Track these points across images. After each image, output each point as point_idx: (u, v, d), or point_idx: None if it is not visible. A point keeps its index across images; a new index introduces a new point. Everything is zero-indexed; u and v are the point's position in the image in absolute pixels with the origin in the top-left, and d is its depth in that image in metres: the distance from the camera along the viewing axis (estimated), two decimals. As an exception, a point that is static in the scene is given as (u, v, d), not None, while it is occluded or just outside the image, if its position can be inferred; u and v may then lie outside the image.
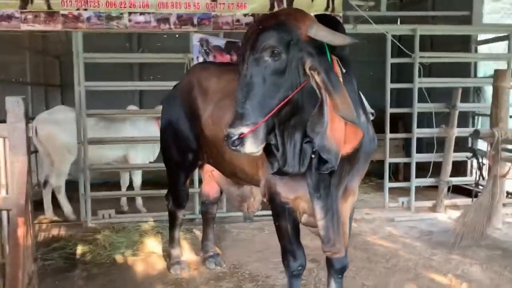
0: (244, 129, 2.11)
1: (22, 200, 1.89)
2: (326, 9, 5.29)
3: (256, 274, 3.90)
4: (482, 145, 5.53)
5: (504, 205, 4.93)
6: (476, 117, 7.07)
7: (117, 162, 5.75)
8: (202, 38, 5.14)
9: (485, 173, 4.66)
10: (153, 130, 6.24)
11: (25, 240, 1.94)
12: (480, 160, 4.55)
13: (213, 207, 4.00)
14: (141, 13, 4.97)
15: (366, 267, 4.00)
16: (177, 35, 7.01)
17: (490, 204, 4.33)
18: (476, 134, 4.32)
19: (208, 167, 3.52)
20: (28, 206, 1.97)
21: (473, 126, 6.86)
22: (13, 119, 1.85)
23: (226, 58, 5.21)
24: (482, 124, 7.30)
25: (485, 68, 7.43)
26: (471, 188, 6.27)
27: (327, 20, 2.57)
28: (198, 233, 4.95)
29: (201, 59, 5.16)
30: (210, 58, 5.16)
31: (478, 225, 4.34)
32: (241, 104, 2.14)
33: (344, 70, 2.39)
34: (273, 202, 2.76)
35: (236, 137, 2.11)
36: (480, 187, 5.04)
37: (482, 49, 7.22)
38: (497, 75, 4.51)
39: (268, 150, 2.36)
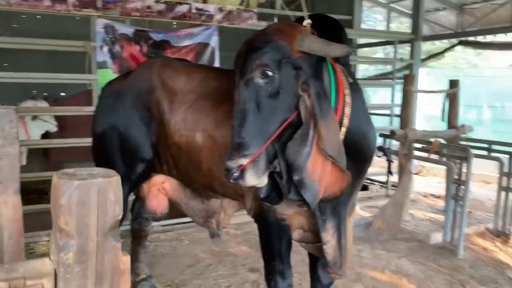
0: (243, 161, 1.89)
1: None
2: (241, 3, 5.06)
3: (201, 294, 3.51)
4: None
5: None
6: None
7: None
8: (108, 24, 4.42)
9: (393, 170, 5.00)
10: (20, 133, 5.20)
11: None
12: (389, 158, 4.85)
13: (148, 224, 3.45)
14: (31, -12, 4.03)
15: (308, 272, 3.92)
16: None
17: (403, 199, 4.67)
18: (392, 134, 4.59)
19: (157, 179, 2.99)
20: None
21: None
22: (1, 142, 1.19)
23: (135, 48, 4.58)
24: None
25: (362, 72, 8.16)
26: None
27: (327, 23, 2.38)
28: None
29: (106, 49, 4.45)
30: (117, 48, 4.49)
31: (394, 220, 4.64)
32: (237, 133, 1.91)
33: (351, 80, 2.23)
34: (264, 218, 2.45)
35: (236, 170, 1.88)
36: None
37: (360, 52, 7.85)
38: (406, 79, 4.87)
39: None
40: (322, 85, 2.02)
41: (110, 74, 4.42)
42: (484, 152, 4.81)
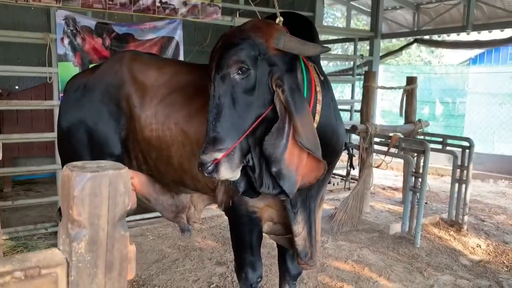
0: (217, 155, 1.92)
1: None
2: (206, -3, 5.04)
3: (168, 289, 3.51)
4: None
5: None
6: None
7: None
8: (68, 16, 4.30)
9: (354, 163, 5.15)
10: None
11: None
12: (351, 152, 5.00)
13: (114, 219, 3.41)
14: (-14, -23, 3.86)
15: (273, 263, 4.00)
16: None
17: (364, 192, 4.83)
18: (354, 129, 4.74)
19: (125, 174, 2.95)
20: None
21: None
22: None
23: (97, 41, 4.48)
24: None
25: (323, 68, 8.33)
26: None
27: (298, 20, 2.44)
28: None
29: (66, 41, 4.33)
30: (78, 40, 4.37)
31: (355, 212, 4.80)
32: (212, 128, 1.94)
33: (322, 78, 2.31)
34: (236, 211, 2.49)
35: (210, 163, 1.91)
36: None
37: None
38: (367, 76, 5.02)
39: None
40: (296, 80, 2.07)
41: (71, 67, 4.32)
42: (439, 146, 5.05)
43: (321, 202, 2.63)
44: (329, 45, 8.87)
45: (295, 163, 2.03)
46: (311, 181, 2.15)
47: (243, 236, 2.54)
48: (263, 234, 2.64)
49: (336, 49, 16.58)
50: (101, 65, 2.86)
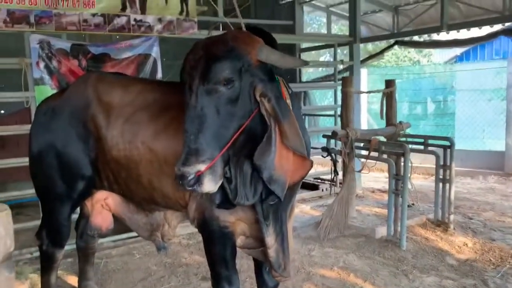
0: (201, 166, 1.91)
1: None
2: (181, 13, 5.08)
3: (153, 307, 3.50)
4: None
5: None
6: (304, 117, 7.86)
7: None
8: (43, 40, 4.33)
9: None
10: None
11: None
12: (334, 158, 5.00)
13: (94, 241, 3.41)
14: (-43, 6, 3.89)
15: (259, 275, 3.99)
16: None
17: (348, 197, 4.83)
18: (334, 135, 4.75)
19: (100, 196, 2.96)
20: None
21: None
22: None
23: (73, 63, 4.51)
24: (309, 123, 8.14)
25: (308, 74, 8.35)
26: (311, 182, 6.94)
27: (262, 36, 2.47)
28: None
29: (42, 65, 4.35)
30: (54, 63, 4.40)
31: (341, 217, 4.80)
32: (193, 139, 1.93)
33: (290, 91, 2.37)
34: (208, 227, 2.50)
35: (192, 176, 1.90)
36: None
37: (304, 56, 8.05)
38: (344, 81, 5.05)
39: None
40: (278, 89, 2.15)
41: (48, 90, 4.33)
42: (422, 147, 5.07)
43: (291, 212, 2.64)
44: (311, 52, 8.89)
45: (284, 166, 2.11)
46: (295, 180, 2.26)
47: (217, 251, 2.54)
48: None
49: (324, 54, 16.67)
50: (68, 88, 2.88)
